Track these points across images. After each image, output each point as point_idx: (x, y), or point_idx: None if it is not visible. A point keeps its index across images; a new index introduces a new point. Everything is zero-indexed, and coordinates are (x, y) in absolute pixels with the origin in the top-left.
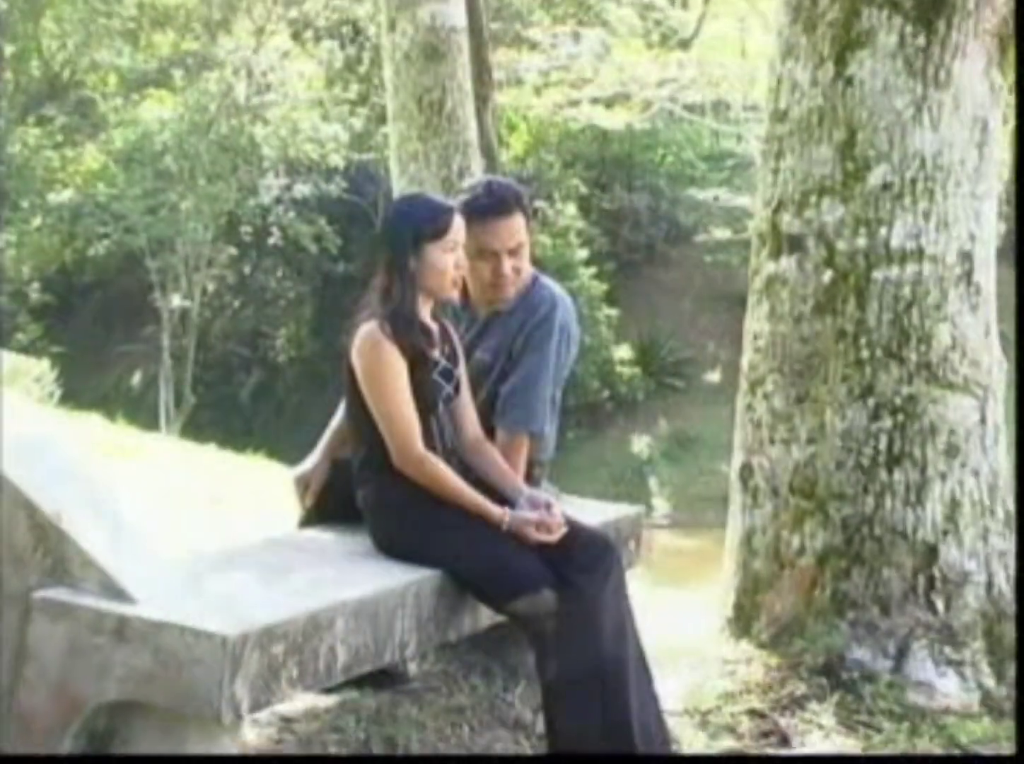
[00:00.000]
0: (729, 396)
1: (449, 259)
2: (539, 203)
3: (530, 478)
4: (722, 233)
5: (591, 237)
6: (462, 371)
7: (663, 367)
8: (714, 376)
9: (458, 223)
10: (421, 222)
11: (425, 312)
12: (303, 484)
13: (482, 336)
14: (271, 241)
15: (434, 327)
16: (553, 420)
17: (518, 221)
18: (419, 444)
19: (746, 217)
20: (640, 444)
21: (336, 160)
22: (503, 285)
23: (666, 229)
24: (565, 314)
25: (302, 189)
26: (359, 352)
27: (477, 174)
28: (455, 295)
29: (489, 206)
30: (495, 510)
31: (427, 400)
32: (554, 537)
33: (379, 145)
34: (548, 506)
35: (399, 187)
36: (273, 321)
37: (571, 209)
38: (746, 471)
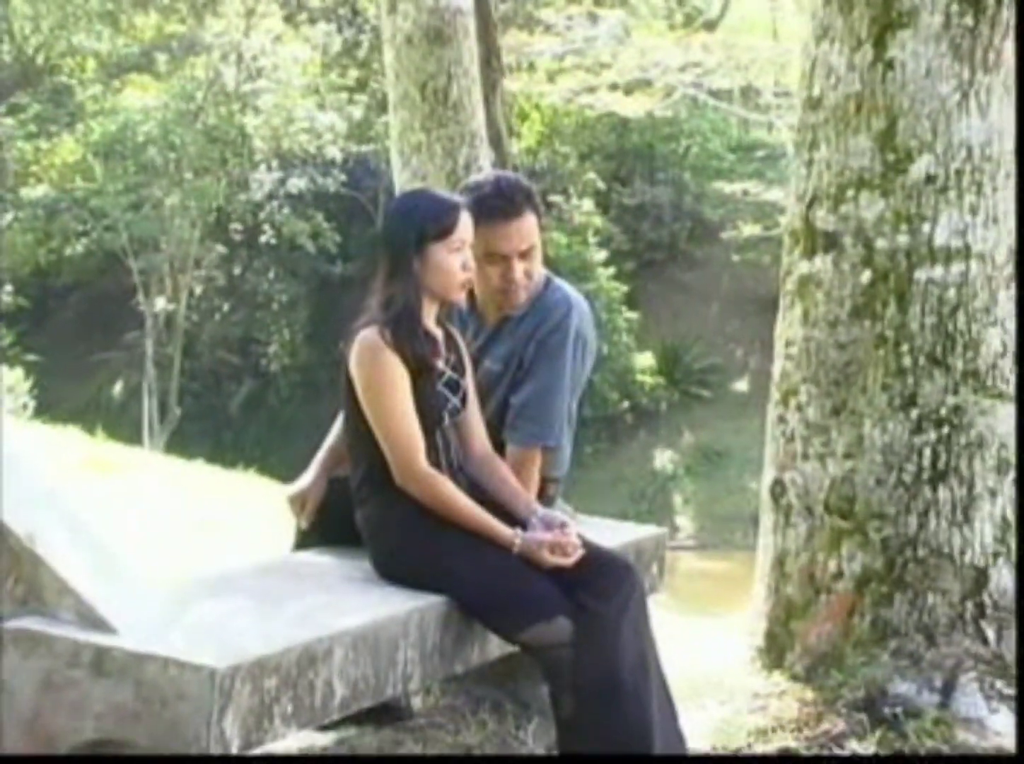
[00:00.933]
0: (759, 407)
1: (455, 260)
2: (553, 198)
3: (544, 496)
4: (751, 230)
5: (609, 235)
6: (469, 382)
7: (688, 376)
8: (743, 385)
9: (465, 221)
10: (425, 220)
11: (429, 318)
12: (298, 503)
13: (491, 344)
14: (263, 239)
15: (439, 334)
16: (569, 434)
17: (529, 221)
18: (422, 460)
19: (777, 212)
20: (663, 459)
21: (333, 152)
22: (513, 290)
23: (691, 226)
24: (581, 319)
25: (297, 183)
26: (358, 361)
27: (485, 167)
28: (462, 298)
29: (498, 207)
30: (505, 531)
31: (431, 413)
32: (570, 560)
33: (379, 136)
34: (563, 526)
35: (400, 181)
36: (265, 326)
37: (588, 205)
38: (778, 488)
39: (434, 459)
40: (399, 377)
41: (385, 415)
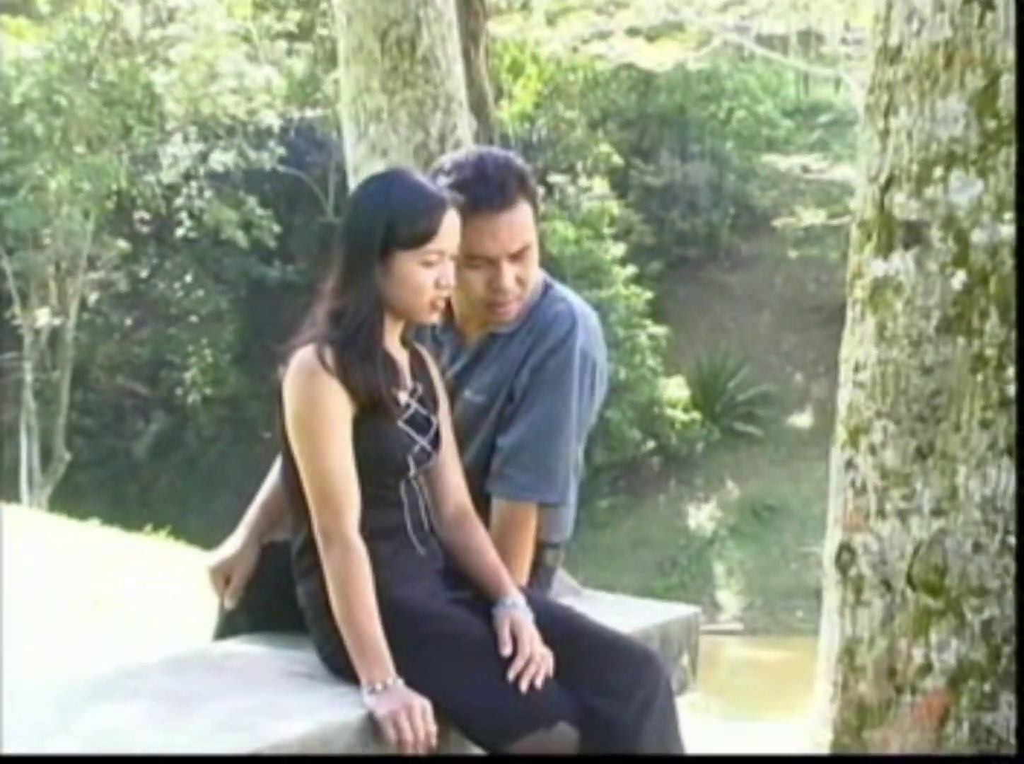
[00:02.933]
0: (823, 448)
1: (427, 275)
2: (555, 178)
3: (540, 568)
4: (813, 217)
5: (629, 226)
6: (444, 418)
7: (731, 408)
8: (802, 420)
9: (449, 225)
10: (396, 218)
11: (392, 337)
12: (222, 577)
13: (473, 369)
14: (178, 233)
15: (403, 357)
16: (574, 485)
17: (522, 213)
18: (348, 523)
19: (847, 195)
20: (699, 516)
21: (269, 118)
22: (502, 302)
23: (734, 213)
24: (588, 336)
25: (221, 159)
26: (289, 387)
27: (465, 141)
28: (431, 319)
29: (482, 196)
30: (376, 671)
31: (392, 460)
32: (530, 674)
33: (328, 98)
34: (522, 639)
35: (354, 158)
36: (181, 345)
37: (601, 186)
38: (846, 555)
39: (395, 521)
40: (336, 410)
41: (312, 457)
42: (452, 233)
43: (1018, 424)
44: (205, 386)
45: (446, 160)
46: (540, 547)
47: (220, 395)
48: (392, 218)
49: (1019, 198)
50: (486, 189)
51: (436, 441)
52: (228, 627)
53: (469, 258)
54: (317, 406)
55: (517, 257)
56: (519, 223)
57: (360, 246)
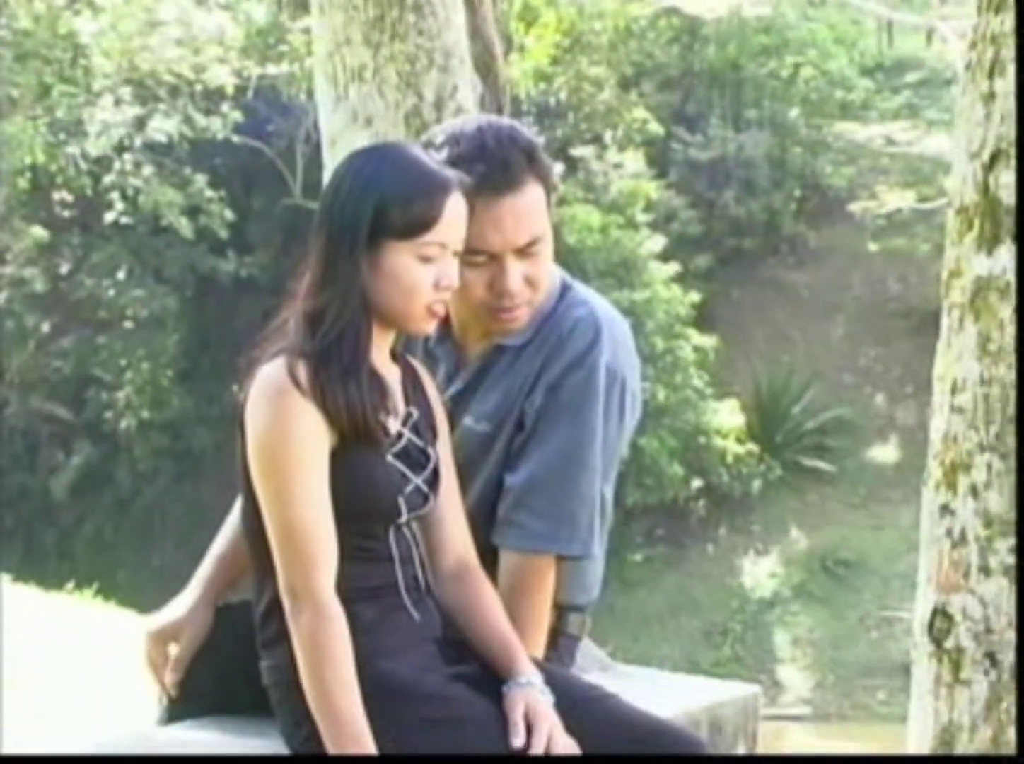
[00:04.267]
0: (911, 488)
1: (425, 273)
2: (577, 151)
3: (560, 637)
4: (899, 200)
5: (670, 210)
6: (444, 451)
7: (796, 438)
8: (885, 453)
9: (453, 212)
10: (387, 201)
11: (380, 349)
12: (162, 645)
13: (474, 390)
14: (109, 218)
15: (393, 375)
16: (602, 534)
17: (531, 197)
18: (324, 581)
19: (941, 173)
20: (757, 573)
21: (221, 76)
22: (508, 307)
23: (800, 194)
24: (617, 349)
25: (163, 127)
26: (252, 410)
27: (466, 107)
28: (430, 329)
29: (483, 176)
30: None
31: (380, 503)
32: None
33: (296, 52)
34: (538, 716)
35: (331, 127)
36: (113, 358)
37: (634, 161)
38: (941, 621)
39: (382, 578)
40: (310, 440)
41: (280, 498)
42: (456, 221)
43: (1018, 429)
44: (142, 409)
45: (437, 131)
46: (560, 611)
47: (160, 420)
48: (382, 200)
49: (1019, 198)
50: (486, 166)
51: (434, 479)
52: (173, 709)
53: (468, 253)
54: (287, 435)
55: (525, 251)
56: (527, 209)
57: (342, 235)
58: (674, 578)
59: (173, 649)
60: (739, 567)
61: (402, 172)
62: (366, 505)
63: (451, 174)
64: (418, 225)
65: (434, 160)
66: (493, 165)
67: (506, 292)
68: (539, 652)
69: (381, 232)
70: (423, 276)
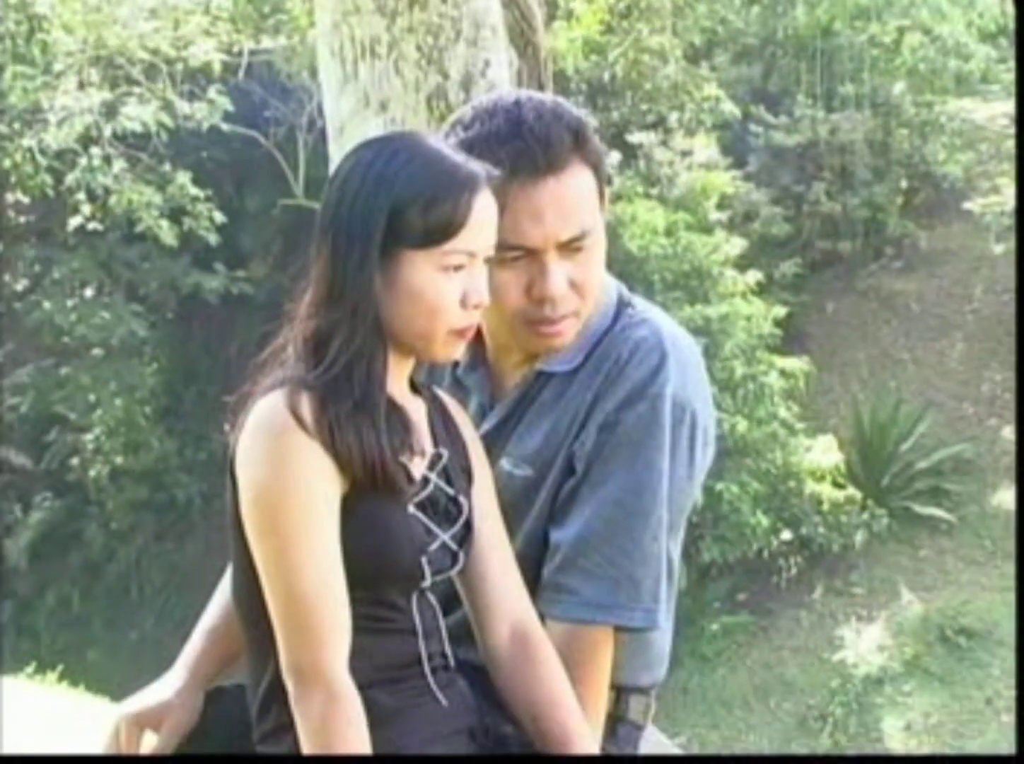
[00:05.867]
0: None
1: (451, 288)
2: (635, 137)
3: (619, 724)
4: None
5: (749, 207)
6: (484, 499)
7: (907, 481)
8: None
9: (482, 213)
10: (404, 203)
11: (398, 378)
12: (134, 733)
13: (513, 426)
14: (73, 223)
15: (416, 409)
16: (669, 600)
17: (577, 183)
18: (335, 659)
19: None
20: (860, 644)
21: (207, 53)
22: (550, 318)
23: (907, 186)
24: (686, 377)
25: (137, 114)
26: (246, 452)
27: (500, 82)
28: (458, 354)
29: (520, 156)
30: None
31: (397, 563)
32: None
33: (296, 23)
34: None
35: (339, 112)
36: (80, 392)
37: (706, 148)
38: None
39: (404, 655)
40: (317, 487)
41: (282, 559)
42: (486, 225)
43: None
44: (114, 453)
45: (466, 110)
46: (620, 693)
47: (137, 467)
48: (398, 201)
49: (1020, 199)
50: (523, 143)
51: (465, 534)
52: None
53: (500, 250)
54: (289, 482)
55: (570, 248)
56: (573, 196)
57: (350, 243)
58: (759, 651)
59: (150, 739)
60: (839, 638)
61: (421, 167)
62: (383, 566)
63: (478, 168)
64: (441, 230)
65: (458, 151)
66: (531, 142)
67: (547, 297)
68: (595, 744)
69: (397, 239)
70: (448, 291)
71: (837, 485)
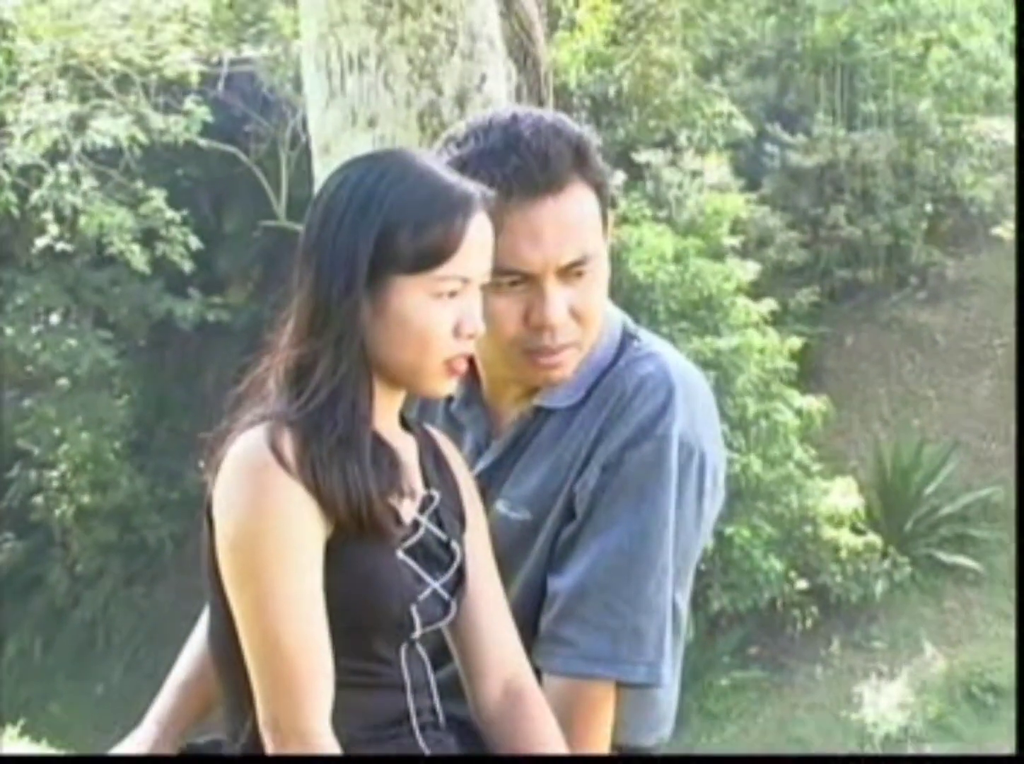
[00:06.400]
0: None
1: (443, 317)
2: (642, 156)
3: None
4: None
5: (764, 232)
6: (477, 544)
7: (931, 527)
8: None
9: (476, 237)
10: (393, 226)
11: (387, 413)
12: None
13: (510, 466)
14: (39, 244)
15: (406, 447)
16: (675, 654)
17: (578, 203)
18: (316, 715)
19: None
20: (881, 702)
21: (184, 64)
22: (549, 348)
23: (933, 211)
24: (695, 415)
25: (108, 128)
26: (224, 493)
27: (497, 98)
28: (450, 388)
29: (518, 176)
30: None
31: (385, 613)
32: None
33: (280, 31)
34: None
35: (324, 127)
36: (42, 427)
37: (718, 168)
38: None
39: (391, 711)
40: (299, 531)
41: (260, 608)
42: (481, 249)
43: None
44: (81, 492)
45: (460, 126)
46: (622, 753)
47: (105, 506)
48: (388, 224)
49: (1020, 199)
50: (520, 161)
51: (458, 582)
52: None
53: (496, 275)
54: (268, 524)
55: (571, 273)
56: (574, 217)
57: (335, 268)
58: (773, 710)
59: None
60: (858, 695)
61: (412, 187)
62: (370, 616)
63: (473, 188)
64: (433, 254)
65: (452, 170)
66: (529, 158)
67: (547, 325)
68: None
69: (386, 264)
70: (440, 319)
71: (856, 531)
